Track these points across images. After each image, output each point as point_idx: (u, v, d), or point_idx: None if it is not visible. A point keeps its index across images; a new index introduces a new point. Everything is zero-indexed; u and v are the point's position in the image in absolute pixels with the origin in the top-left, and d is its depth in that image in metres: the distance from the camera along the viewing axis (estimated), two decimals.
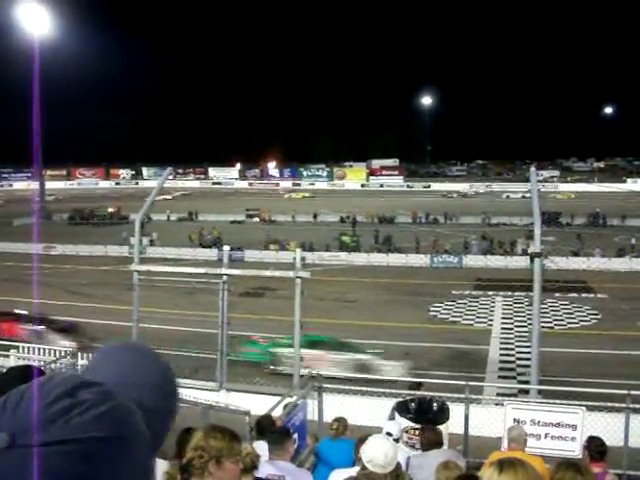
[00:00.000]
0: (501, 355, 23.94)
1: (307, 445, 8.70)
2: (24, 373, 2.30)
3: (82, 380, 0.92)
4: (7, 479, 0.80)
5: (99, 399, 0.88)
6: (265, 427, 7.15)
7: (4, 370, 2.52)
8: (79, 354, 15.79)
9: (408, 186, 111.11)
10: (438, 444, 6.75)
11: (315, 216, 67.94)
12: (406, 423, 8.57)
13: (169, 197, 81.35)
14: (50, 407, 0.85)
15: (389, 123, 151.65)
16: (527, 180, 19.22)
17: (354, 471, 4.74)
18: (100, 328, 25.97)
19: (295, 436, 7.76)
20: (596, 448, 7.10)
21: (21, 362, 15.33)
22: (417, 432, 8.50)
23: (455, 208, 69.67)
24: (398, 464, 4.32)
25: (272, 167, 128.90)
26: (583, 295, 33.77)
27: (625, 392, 10.64)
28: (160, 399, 1.02)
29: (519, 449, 6.88)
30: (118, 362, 1.05)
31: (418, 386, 11.12)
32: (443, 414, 9.07)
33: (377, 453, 4.26)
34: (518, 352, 23.67)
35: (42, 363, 13.55)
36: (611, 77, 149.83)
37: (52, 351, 17.63)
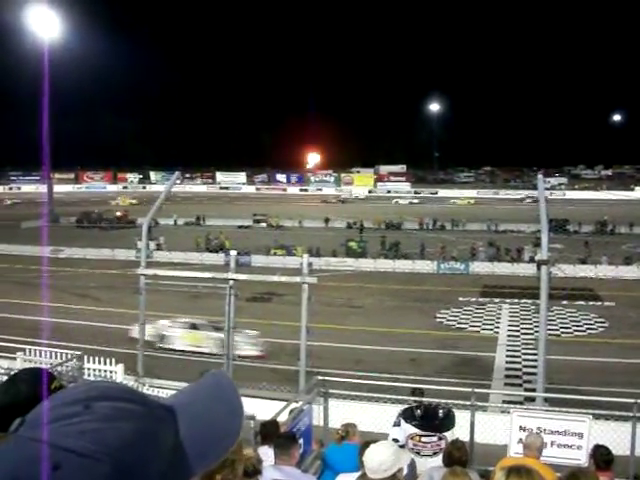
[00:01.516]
0: (507, 362, 23.88)
1: (312, 450, 8.70)
2: (34, 376, 2.30)
3: (111, 392, 0.90)
4: (4, 460, 0.82)
5: (109, 415, 0.86)
6: (270, 432, 7.15)
7: (12, 373, 2.53)
8: (85, 357, 15.81)
9: (415, 192, 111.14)
10: (461, 463, 6.62)
11: (327, 221, 68.14)
12: (411, 430, 8.56)
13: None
14: (61, 408, 0.86)
15: (397, 129, 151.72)
16: (535, 187, 19.18)
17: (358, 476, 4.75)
18: (106, 331, 26.04)
19: (300, 441, 7.75)
20: (602, 457, 7.07)
21: (27, 365, 15.36)
22: (422, 439, 8.50)
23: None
24: (397, 473, 4.30)
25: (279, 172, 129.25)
26: (590, 303, 33.66)
27: (632, 401, 10.59)
28: (205, 438, 0.97)
29: (532, 456, 6.84)
30: (205, 393, 1.03)
31: (421, 393, 11.08)
32: (449, 421, 9.05)
33: (370, 458, 4.29)
34: (524, 359, 23.61)
35: (49, 366, 13.56)
36: (619, 84, 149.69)
37: (59, 354, 17.67)
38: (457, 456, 6.51)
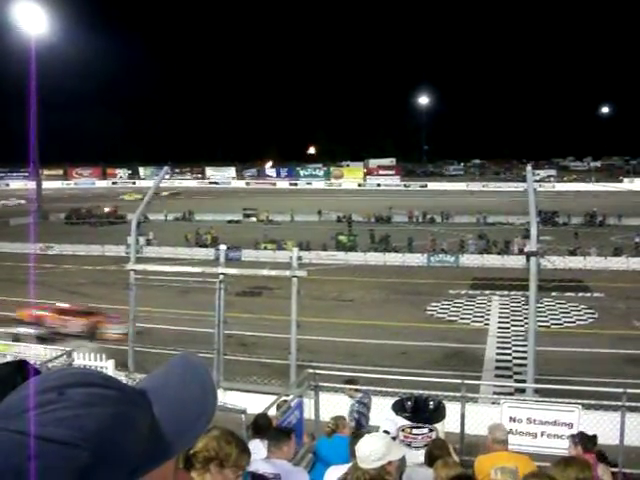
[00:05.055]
0: (498, 354, 23.96)
1: (304, 444, 8.72)
2: (18, 368, 2.29)
3: (85, 378, 0.91)
4: None
5: (85, 401, 0.87)
6: (262, 426, 7.16)
7: None
8: (74, 354, 15.78)
9: (405, 185, 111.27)
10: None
11: (320, 212, 68.37)
12: (402, 422, 8.59)
13: (165, 193, 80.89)
14: (35, 397, 0.86)
15: (386, 122, 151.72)
16: (524, 179, 19.25)
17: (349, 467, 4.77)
18: None
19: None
20: (590, 440, 7.18)
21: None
22: (413, 431, 8.53)
23: (449, 208, 69.63)
24: (387, 465, 4.31)
25: (269, 167, 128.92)
26: (580, 294, 33.79)
27: (621, 390, 10.67)
28: (180, 419, 0.99)
29: (503, 449, 6.87)
30: (176, 374, 1.04)
31: (352, 381, 11.05)
32: (439, 413, 9.09)
33: (361, 447, 4.32)
34: (515, 351, 23.70)
35: (38, 362, 13.53)
36: (607, 76, 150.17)
37: (48, 350, 17.61)
38: (437, 454, 6.56)
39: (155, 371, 1.06)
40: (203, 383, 1.04)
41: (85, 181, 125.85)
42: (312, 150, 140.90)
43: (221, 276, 15.15)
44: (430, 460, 6.51)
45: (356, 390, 10.77)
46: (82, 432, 0.84)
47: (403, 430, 8.43)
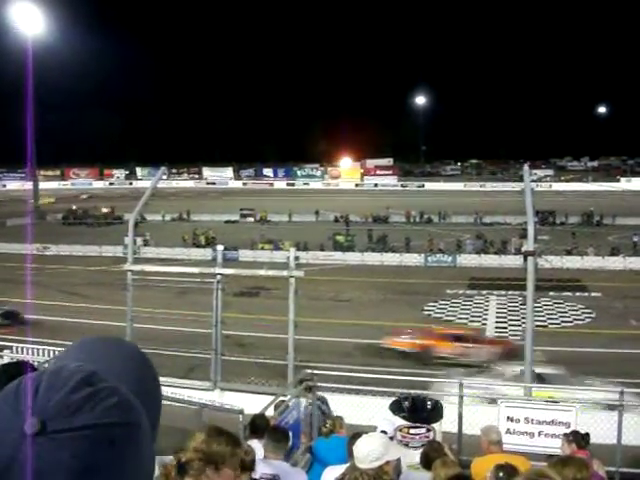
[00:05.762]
0: None
1: (302, 444, 8.71)
2: (17, 369, 2.29)
3: (93, 371, 0.94)
4: (40, 464, 0.82)
5: (113, 388, 0.91)
6: (259, 426, 7.16)
7: None
8: None
9: (402, 185, 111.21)
10: None
11: (317, 213, 68.29)
12: (400, 422, 8.57)
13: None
14: (73, 394, 0.88)
15: (384, 122, 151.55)
16: (521, 179, 19.26)
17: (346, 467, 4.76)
18: (94, 328, 25.94)
19: (289, 435, 7.77)
20: (583, 438, 7.19)
21: None
22: (411, 431, 8.52)
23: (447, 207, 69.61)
24: (385, 465, 4.30)
25: (266, 167, 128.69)
26: (577, 294, 33.83)
27: (618, 389, 10.68)
28: (142, 391, 1.02)
29: (498, 451, 6.87)
30: (97, 354, 1.06)
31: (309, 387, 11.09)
32: (437, 413, 9.06)
33: (359, 448, 4.31)
34: None
35: (35, 363, 13.52)
36: (604, 76, 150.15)
37: (45, 351, 17.60)
38: (434, 457, 6.55)
39: (67, 355, 1.07)
40: (137, 360, 1.09)
41: (82, 182, 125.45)
42: (320, 147, 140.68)
43: (218, 276, 15.14)
44: (426, 462, 6.50)
45: (309, 391, 10.82)
46: (134, 413, 0.92)
47: (400, 430, 8.40)
